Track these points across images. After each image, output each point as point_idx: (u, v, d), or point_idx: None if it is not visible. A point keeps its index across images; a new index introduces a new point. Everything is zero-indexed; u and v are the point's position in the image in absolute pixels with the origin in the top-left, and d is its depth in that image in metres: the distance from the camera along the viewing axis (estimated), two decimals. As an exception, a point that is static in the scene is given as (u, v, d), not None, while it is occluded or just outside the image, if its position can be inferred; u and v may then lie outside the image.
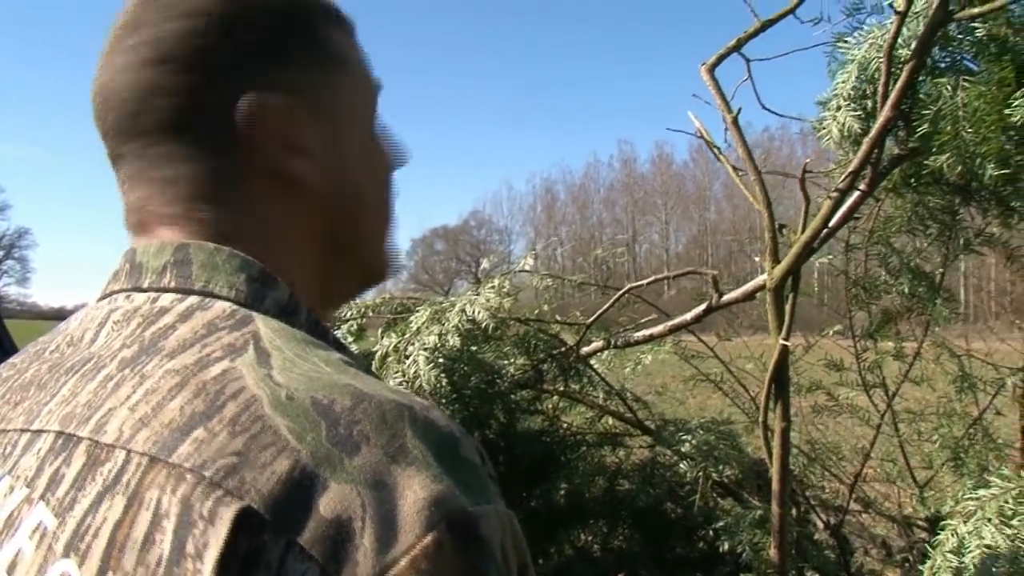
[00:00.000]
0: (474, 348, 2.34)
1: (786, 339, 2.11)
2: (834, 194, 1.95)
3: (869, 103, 1.90)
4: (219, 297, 0.67)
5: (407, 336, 2.25)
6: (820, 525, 2.95)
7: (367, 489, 0.50)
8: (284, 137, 0.73)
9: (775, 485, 2.22)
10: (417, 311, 2.35)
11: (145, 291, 0.68)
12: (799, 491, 2.86)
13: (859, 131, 1.89)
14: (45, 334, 0.73)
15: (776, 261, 2.11)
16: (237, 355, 0.59)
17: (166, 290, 0.68)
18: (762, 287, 2.25)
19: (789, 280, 2.11)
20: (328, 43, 0.78)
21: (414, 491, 0.51)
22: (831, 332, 2.72)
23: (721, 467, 2.43)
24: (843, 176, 1.92)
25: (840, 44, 1.99)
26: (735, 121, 2.17)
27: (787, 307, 2.13)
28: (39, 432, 0.59)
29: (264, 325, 0.64)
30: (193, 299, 0.66)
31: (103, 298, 0.72)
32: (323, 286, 0.78)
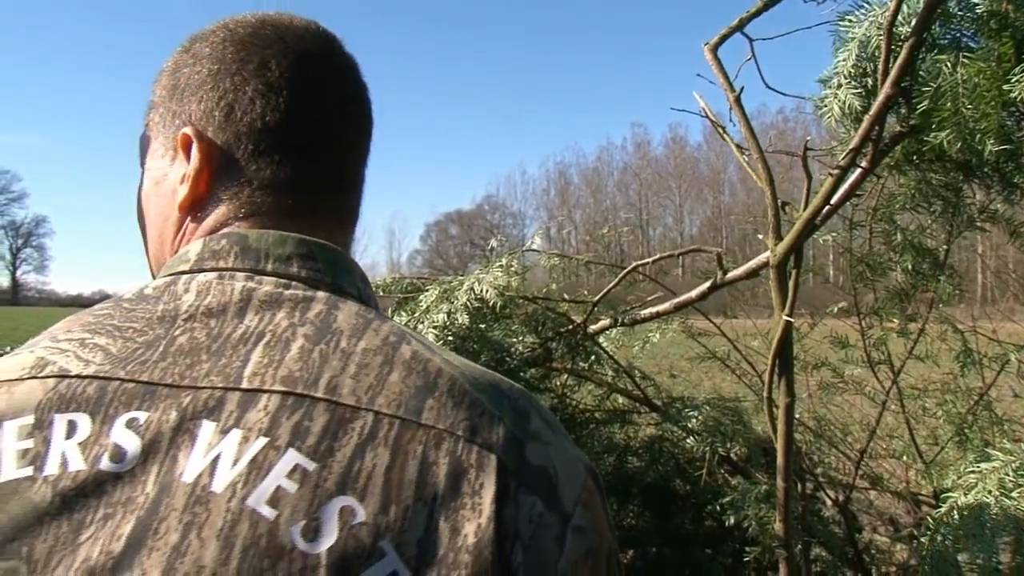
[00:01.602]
0: (483, 326, 2.38)
1: (789, 315, 2.13)
2: (835, 171, 1.97)
3: (870, 81, 1.92)
4: (347, 293, 0.80)
5: (417, 315, 2.29)
6: (828, 502, 2.98)
7: (547, 446, 0.70)
8: None
9: (779, 460, 2.24)
10: (427, 290, 2.38)
11: (270, 275, 0.78)
12: (807, 468, 2.89)
13: (860, 108, 1.91)
14: (116, 303, 0.78)
15: (779, 238, 2.13)
16: (407, 341, 0.74)
17: (295, 278, 0.79)
18: (765, 264, 2.27)
19: (792, 257, 2.13)
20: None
21: (566, 449, 0.72)
22: (835, 310, 2.74)
23: (728, 443, 2.45)
24: (844, 153, 1.94)
25: (841, 22, 2.01)
26: (738, 100, 2.19)
27: (790, 283, 2.15)
28: (255, 391, 0.66)
29: (392, 320, 0.79)
30: (323, 291, 0.78)
31: (203, 272, 0.79)
32: None
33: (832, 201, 2.04)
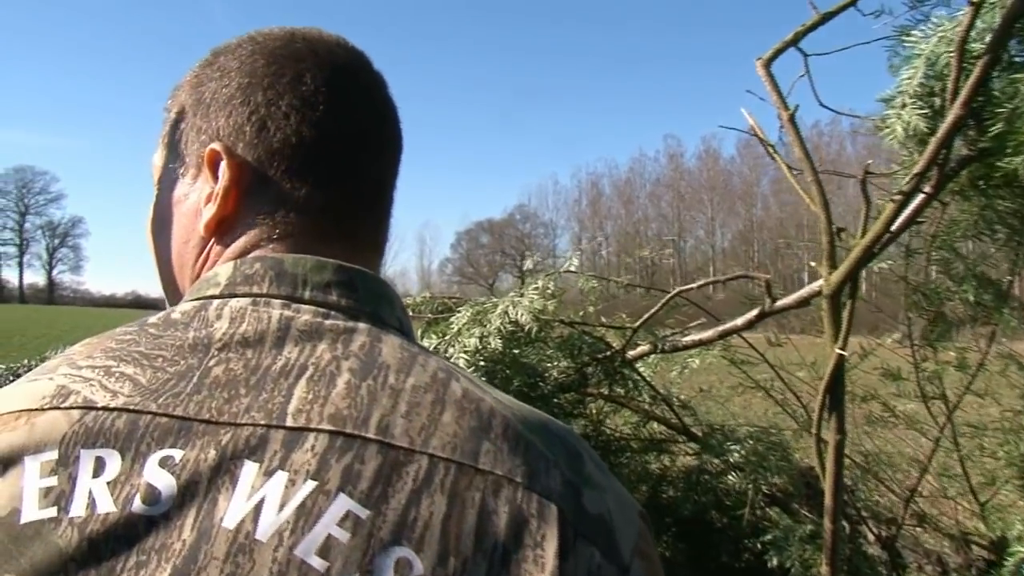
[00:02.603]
0: (516, 351, 2.27)
1: (843, 348, 2.01)
2: (897, 196, 1.85)
3: (937, 100, 1.79)
4: (388, 325, 0.75)
5: (447, 338, 2.19)
6: (871, 538, 2.84)
7: (600, 492, 0.66)
8: None
9: (828, 500, 2.12)
10: (458, 311, 2.28)
11: (307, 303, 0.73)
12: (850, 502, 2.76)
13: (925, 130, 1.79)
14: (143, 326, 0.73)
15: (833, 266, 2.01)
16: (455, 378, 0.70)
17: (334, 307, 0.74)
18: (817, 293, 2.15)
19: (847, 287, 2.01)
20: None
21: (620, 493, 0.69)
22: (889, 340, 2.61)
23: (771, 478, 2.33)
24: (908, 178, 1.81)
25: (905, 38, 1.89)
26: (791, 119, 2.07)
27: (844, 314, 2.03)
28: (301, 430, 0.62)
29: (437, 355, 0.76)
30: (364, 323, 0.73)
31: (234, 297, 0.74)
32: None
33: (892, 228, 1.91)
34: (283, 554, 0.55)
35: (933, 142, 1.73)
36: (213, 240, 0.81)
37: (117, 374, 0.65)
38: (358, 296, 0.75)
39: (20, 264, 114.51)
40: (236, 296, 0.73)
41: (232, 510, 0.57)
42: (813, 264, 2.10)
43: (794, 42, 2.08)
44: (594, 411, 2.73)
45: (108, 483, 0.58)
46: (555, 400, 2.48)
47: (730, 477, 2.35)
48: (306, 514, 0.57)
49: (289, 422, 0.62)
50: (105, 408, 0.62)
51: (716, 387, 3.96)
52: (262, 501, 0.58)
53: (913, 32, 1.85)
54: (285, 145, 0.80)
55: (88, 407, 0.62)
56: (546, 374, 2.43)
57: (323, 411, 0.63)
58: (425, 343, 2.26)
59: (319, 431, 0.62)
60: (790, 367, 2.90)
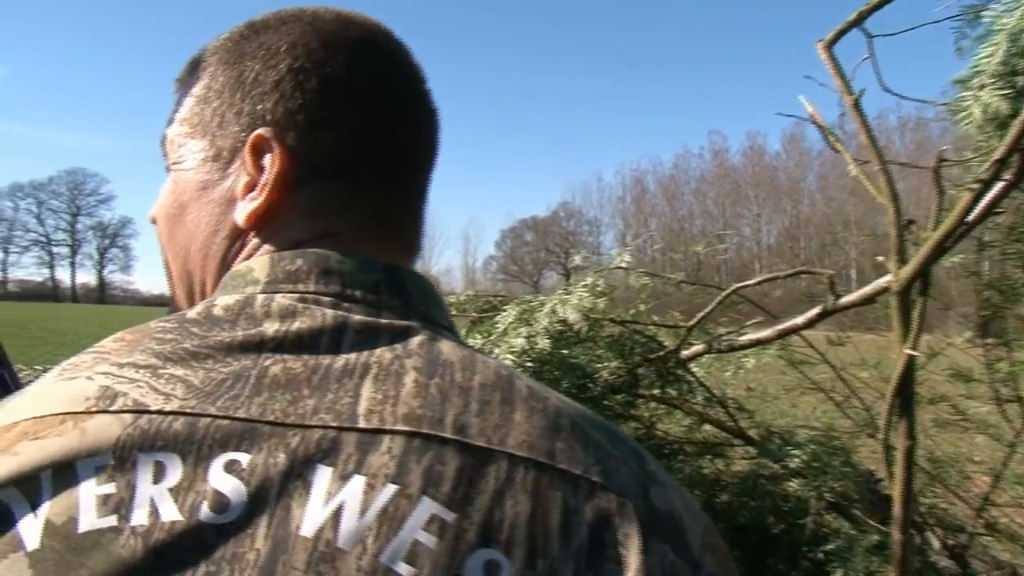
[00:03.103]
0: (565, 351, 2.17)
1: (913, 348, 1.89)
2: (974, 185, 1.72)
3: (1020, 80, 1.66)
4: (437, 323, 0.73)
5: (493, 337, 2.10)
6: (936, 544, 2.71)
7: (665, 489, 0.65)
8: None
9: (897, 509, 2.01)
10: (504, 310, 2.19)
11: (359, 302, 0.70)
12: (915, 508, 2.63)
13: (1007, 112, 1.66)
14: (185, 323, 0.68)
15: (903, 261, 1.89)
16: (517, 376, 0.69)
17: (385, 307, 0.71)
18: (885, 290, 2.03)
19: (917, 283, 1.89)
20: None
21: (681, 491, 0.68)
22: (960, 339, 2.47)
23: (834, 484, 2.21)
24: (986, 165, 1.69)
25: (981, 13, 1.76)
26: (856, 104, 1.95)
27: (915, 313, 1.91)
28: (375, 432, 0.59)
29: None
30: (417, 321, 0.71)
31: (277, 293, 0.70)
32: None
33: (969, 219, 1.78)
34: (368, 562, 0.53)
35: (1016, 125, 1.60)
36: (252, 233, 0.76)
37: (166, 376, 0.62)
38: (408, 296, 0.73)
39: (72, 264, 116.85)
40: (280, 293, 0.70)
41: (309, 517, 0.55)
42: (880, 259, 1.97)
43: (858, 22, 1.96)
44: (646, 414, 2.62)
45: (170, 490, 0.55)
46: (605, 402, 2.38)
47: (792, 484, 2.23)
48: (389, 519, 0.55)
49: (361, 423, 0.60)
50: (160, 412, 0.58)
51: (769, 387, 3.84)
52: (341, 507, 0.55)
53: (991, 6, 1.72)
54: (339, 140, 0.76)
55: (140, 410, 0.58)
56: (596, 375, 2.33)
57: (396, 411, 0.61)
58: (470, 343, 2.17)
59: (394, 432, 0.60)
60: (851, 368, 2.77)
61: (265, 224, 0.76)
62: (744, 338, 2.41)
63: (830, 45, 1.97)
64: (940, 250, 1.81)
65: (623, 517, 0.60)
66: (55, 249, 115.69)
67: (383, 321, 0.69)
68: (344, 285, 0.71)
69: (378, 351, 0.66)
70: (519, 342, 1.99)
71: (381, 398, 0.62)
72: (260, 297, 0.69)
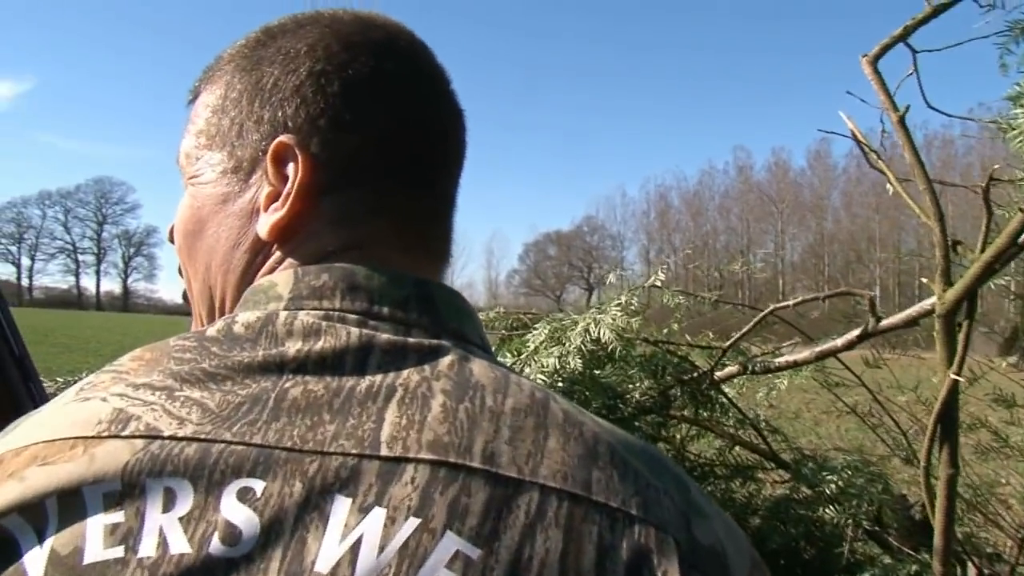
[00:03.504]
0: (597, 371, 2.12)
1: (957, 373, 1.83)
2: (1026, 207, 1.66)
3: (1075, 99, 1.61)
4: (470, 341, 0.69)
5: (523, 356, 2.05)
6: (974, 575, 2.64)
7: (710, 521, 0.61)
8: None
9: (938, 540, 1.95)
10: (534, 328, 2.15)
11: (387, 319, 0.67)
12: (957, 540, 2.56)
13: (1061, 132, 1.60)
14: (204, 341, 0.65)
15: (948, 283, 1.83)
16: (553, 399, 0.65)
17: (415, 325, 0.67)
18: (929, 312, 1.97)
19: (963, 306, 1.83)
20: None
21: (726, 521, 0.64)
22: (1004, 363, 2.40)
23: (874, 514, 2.14)
24: (1039, 186, 1.63)
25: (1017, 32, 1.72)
26: (901, 121, 1.89)
27: (960, 336, 1.85)
28: (398, 460, 0.56)
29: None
30: (448, 340, 0.67)
31: (301, 311, 0.67)
32: None
33: (1020, 240, 1.72)
34: None
35: (1071, 145, 1.55)
36: (275, 246, 0.73)
37: (182, 398, 0.59)
38: (439, 312, 0.70)
39: (97, 272, 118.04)
40: (304, 310, 0.66)
41: (325, 552, 0.52)
42: (924, 280, 1.91)
43: (903, 37, 1.91)
44: (678, 436, 2.56)
45: (180, 519, 0.52)
46: (636, 423, 2.33)
47: (828, 511, 2.17)
48: (410, 555, 0.52)
49: (384, 451, 0.56)
50: (173, 437, 0.56)
51: (790, 406, 3.77)
52: (359, 541, 0.52)
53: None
54: (365, 144, 0.73)
55: (152, 436, 0.56)
56: (627, 395, 2.28)
57: (420, 438, 0.57)
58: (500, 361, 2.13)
59: (419, 461, 0.56)
60: (888, 391, 2.70)
61: (288, 236, 0.73)
62: (780, 359, 2.35)
63: (875, 60, 1.92)
64: (988, 272, 1.75)
65: (663, 553, 0.56)
66: (81, 257, 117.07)
67: (412, 340, 0.65)
68: (372, 302, 0.68)
69: (405, 373, 0.63)
70: (551, 361, 1.95)
71: (406, 423, 0.58)
72: (283, 314, 0.66)
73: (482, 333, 0.74)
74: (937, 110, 2.11)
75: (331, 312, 0.66)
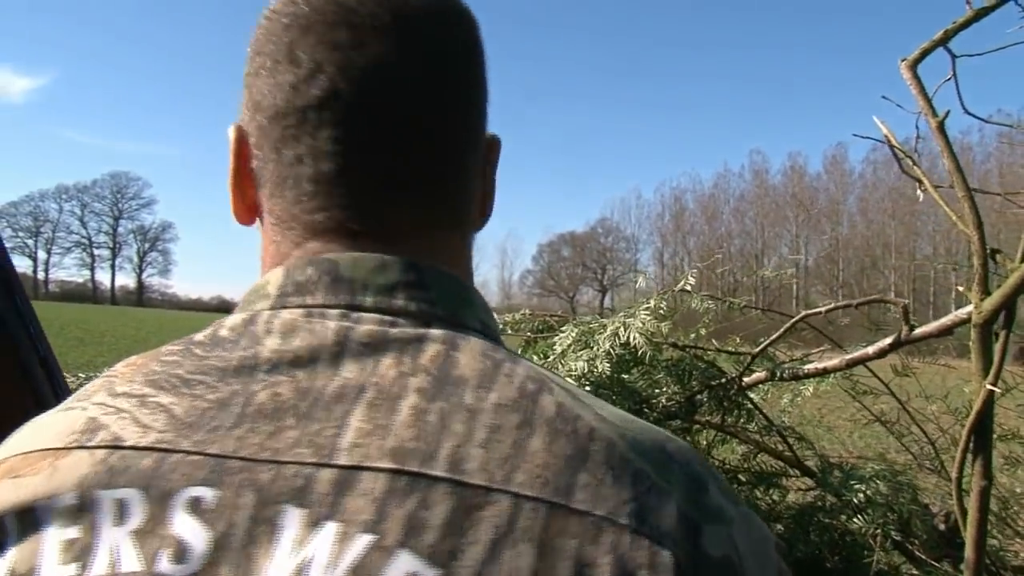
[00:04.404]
0: (624, 376, 2.10)
1: (994, 384, 1.80)
2: (1068, 215, 1.64)
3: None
4: (466, 327, 0.63)
5: (551, 359, 2.03)
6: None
7: (726, 527, 0.53)
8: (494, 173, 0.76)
9: (969, 552, 1.92)
10: (561, 331, 2.12)
11: (370, 310, 0.62)
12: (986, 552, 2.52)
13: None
14: (189, 344, 0.63)
15: (986, 292, 1.80)
16: (548, 389, 0.57)
17: (402, 313, 0.62)
18: (965, 321, 1.94)
19: (1001, 315, 1.80)
20: None
21: (753, 525, 0.56)
22: (1039, 375, 2.36)
23: (904, 526, 2.12)
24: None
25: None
26: (941, 126, 1.86)
27: (997, 346, 1.82)
28: (355, 469, 0.51)
29: (525, 360, 0.62)
30: (440, 329, 0.61)
31: (285, 308, 0.63)
32: None
33: (1062, 251, 1.70)
34: None
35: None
36: (274, 233, 0.70)
37: (152, 405, 0.57)
38: (430, 297, 0.63)
39: (112, 267, 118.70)
40: (288, 308, 0.63)
41: (274, 571, 0.48)
42: (961, 289, 1.89)
43: (943, 41, 1.89)
44: (704, 442, 2.54)
45: (133, 532, 0.50)
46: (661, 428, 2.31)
47: (856, 520, 2.14)
48: None
49: (341, 459, 0.52)
50: (133, 447, 0.54)
51: (815, 416, 3.74)
52: (310, 560, 0.48)
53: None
54: (315, 101, 0.65)
55: (115, 446, 0.54)
56: (653, 400, 2.25)
57: (383, 444, 0.52)
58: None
59: (377, 470, 0.51)
60: (916, 400, 2.67)
61: (265, 222, 0.70)
62: (809, 366, 2.33)
63: (914, 65, 1.89)
64: (1028, 282, 1.72)
65: (655, 570, 0.49)
66: (96, 251, 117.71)
67: (394, 331, 0.60)
68: (354, 293, 0.63)
69: (382, 369, 0.58)
70: (580, 365, 1.92)
71: (370, 428, 0.54)
72: (265, 314, 0.63)
73: (484, 317, 0.67)
74: (973, 115, 2.08)
75: (313, 308, 0.62)
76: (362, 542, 0.49)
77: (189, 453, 0.53)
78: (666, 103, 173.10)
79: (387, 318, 0.61)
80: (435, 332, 0.61)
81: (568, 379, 1.97)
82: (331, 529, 0.49)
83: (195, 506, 0.51)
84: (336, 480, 0.51)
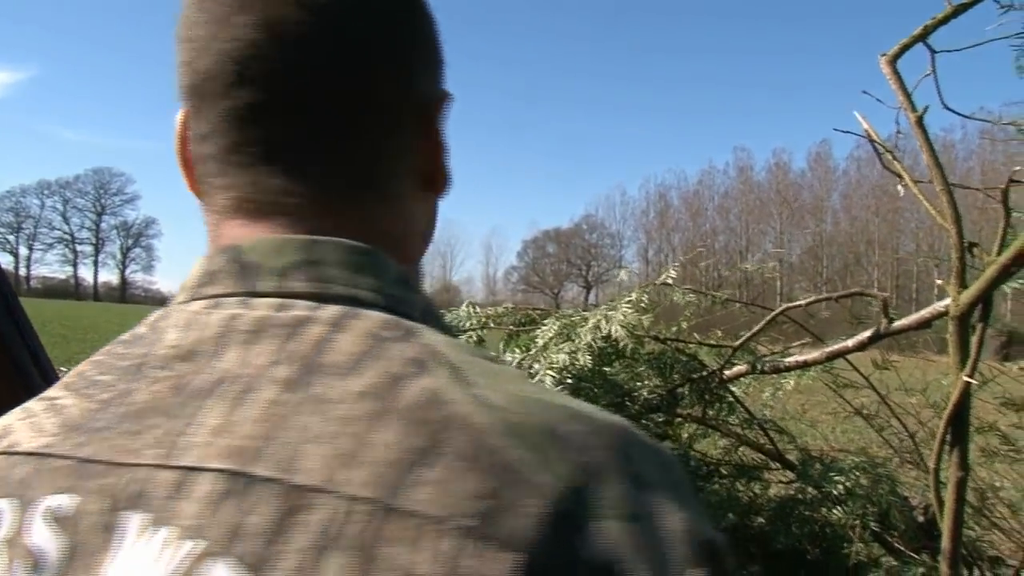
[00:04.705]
0: (606, 369, 2.11)
1: (970, 376, 1.82)
2: (1044, 209, 1.65)
3: (1097, 102, 1.59)
4: (366, 304, 0.58)
5: (533, 352, 2.04)
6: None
7: (627, 523, 0.45)
8: (444, 135, 0.70)
9: (946, 542, 1.94)
10: (543, 324, 2.13)
11: (266, 296, 0.58)
12: (963, 543, 2.55)
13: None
14: (116, 343, 0.62)
15: (963, 285, 1.82)
16: (427, 372, 0.51)
17: (296, 295, 0.58)
18: (943, 314, 1.96)
19: (978, 309, 1.82)
20: None
21: (671, 521, 0.46)
22: (1016, 367, 2.39)
23: (882, 517, 2.14)
24: (1057, 188, 1.62)
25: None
26: (920, 121, 1.88)
27: (973, 339, 1.84)
28: (192, 470, 0.49)
29: (433, 337, 0.56)
30: (334, 308, 0.56)
31: (196, 300, 0.61)
32: None
33: (1037, 244, 1.71)
34: None
35: (1092, 148, 1.54)
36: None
37: (57, 407, 0.57)
38: (328, 275, 0.59)
39: (95, 263, 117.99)
40: (198, 299, 0.61)
41: None
42: (940, 282, 1.90)
43: (922, 37, 1.90)
44: (685, 435, 2.55)
45: (4, 542, 0.50)
46: (643, 421, 2.32)
47: (835, 512, 2.15)
48: None
49: (182, 460, 0.49)
50: (23, 452, 0.54)
51: (798, 410, 3.76)
52: (135, 570, 0.46)
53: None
54: (208, 76, 0.63)
55: (9, 451, 0.54)
56: (634, 393, 2.26)
57: (224, 442, 0.49)
58: (507, 358, 2.11)
59: (212, 471, 0.48)
60: (896, 393, 2.69)
61: (201, 206, 0.68)
62: (789, 359, 2.34)
63: (894, 60, 1.91)
64: (1005, 275, 1.74)
65: None
66: (79, 247, 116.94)
67: (279, 316, 0.56)
68: (255, 278, 0.60)
69: (252, 358, 0.54)
70: (561, 358, 1.93)
71: (217, 425, 0.50)
72: (177, 307, 0.61)
73: (395, 290, 0.61)
74: (953, 111, 2.10)
75: (218, 298, 0.60)
76: (184, 549, 0.46)
77: (63, 458, 0.52)
78: (651, 101, 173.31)
79: (281, 302, 0.58)
80: (326, 314, 0.57)
81: (549, 372, 1.98)
82: (161, 536, 0.47)
83: (54, 515, 0.50)
84: (175, 482, 0.49)
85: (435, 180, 0.71)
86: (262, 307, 0.57)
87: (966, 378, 1.82)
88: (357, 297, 0.58)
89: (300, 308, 0.57)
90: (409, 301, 0.61)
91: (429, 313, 0.63)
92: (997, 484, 2.99)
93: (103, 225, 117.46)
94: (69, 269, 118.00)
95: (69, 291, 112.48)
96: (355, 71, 0.64)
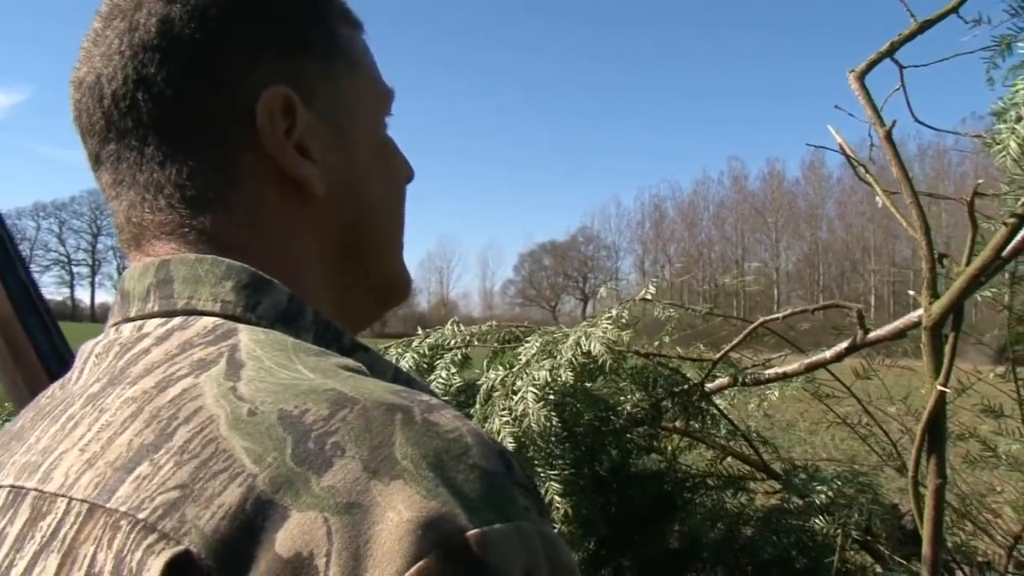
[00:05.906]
0: (588, 384, 2.14)
1: (944, 384, 1.85)
2: (1010, 220, 1.69)
3: (1058, 114, 1.63)
4: (203, 313, 0.60)
5: (515, 369, 2.07)
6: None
7: (336, 515, 0.41)
8: (294, 137, 0.67)
9: (926, 549, 1.96)
10: (526, 341, 2.16)
11: (134, 319, 0.62)
12: (946, 548, 2.57)
13: (1044, 146, 1.62)
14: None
15: (935, 295, 1.85)
16: (203, 371, 0.52)
17: (152, 315, 0.61)
18: (916, 324, 1.99)
19: (949, 318, 1.85)
20: (341, 40, 0.72)
21: (397, 511, 0.42)
22: (992, 374, 2.42)
23: (865, 524, 2.16)
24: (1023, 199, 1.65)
25: (1017, 43, 1.74)
26: (888, 136, 1.92)
27: (947, 348, 1.87)
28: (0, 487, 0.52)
29: (248, 335, 0.56)
30: (175, 320, 0.59)
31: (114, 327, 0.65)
32: (334, 308, 0.69)
33: (1004, 254, 1.74)
34: None
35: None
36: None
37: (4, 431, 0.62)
38: (174, 291, 0.61)
39: (92, 284, 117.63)
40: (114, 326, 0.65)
41: None
42: (911, 292, 1.94)
43: (890, 53, 1.93)
44: (669, 447, 2.58)
45: None
46: (628, 435, 2.35)
47: (817, 521, 2.18)
48: None
49: (1, 480, 0.53)
50: None
51: (796, 419, 3.79)
52: None
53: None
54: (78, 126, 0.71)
55: None
56: (618, 407, 2.29)
57: (22, 460, 0.53)
58: (491, 375, 2.14)
59: (7, 487, 0.52)
60: (878, 401, 2.72)
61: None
62: (770, 371, 2.38)
63: (862, 76, 1.94)
64: (974, 284, 1.77)
65: (143, 572, 0.42)
66: (75, 269, 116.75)
67: (124, 336, 0.60)
68: (128, 305, 0.63)
69: (87, 379, 0.58)
70: (542, 375, 1.96)
71: (31, 444, 0.54)
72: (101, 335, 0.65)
73: (223, 294, 0.60)
74: (925, 124, 2.14)
75: (112, 326, 0.64)
76: None
77: None
78: (644, 112, 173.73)
79: (139, 323, 0.61)
80: (159, 329, 0.58)
81: (532, 389, 2.00)
82: None
83: None
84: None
85: (302, 182, 0.68)
86: (126, 331, 0.61)
87: (940, 387, 1.85)
88: (195, 308, 0.60)
89: (149, 326, 0.60)
90: (252, 302, 0.60)
91: (290, 310, 0.62)
92: (996, 489, 3.02)
93: (99, 246, 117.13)
94: (66, 290, 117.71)
95: (66, 312, 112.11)
96: (157, 96, 0.64)
